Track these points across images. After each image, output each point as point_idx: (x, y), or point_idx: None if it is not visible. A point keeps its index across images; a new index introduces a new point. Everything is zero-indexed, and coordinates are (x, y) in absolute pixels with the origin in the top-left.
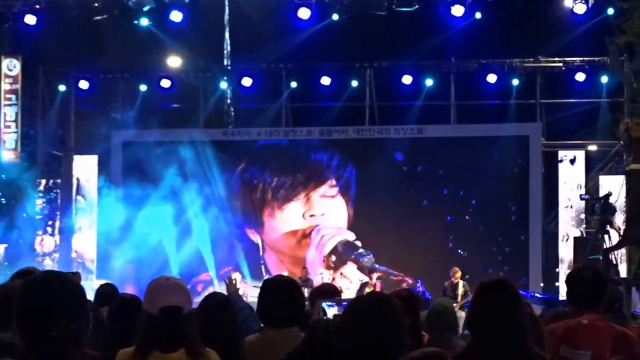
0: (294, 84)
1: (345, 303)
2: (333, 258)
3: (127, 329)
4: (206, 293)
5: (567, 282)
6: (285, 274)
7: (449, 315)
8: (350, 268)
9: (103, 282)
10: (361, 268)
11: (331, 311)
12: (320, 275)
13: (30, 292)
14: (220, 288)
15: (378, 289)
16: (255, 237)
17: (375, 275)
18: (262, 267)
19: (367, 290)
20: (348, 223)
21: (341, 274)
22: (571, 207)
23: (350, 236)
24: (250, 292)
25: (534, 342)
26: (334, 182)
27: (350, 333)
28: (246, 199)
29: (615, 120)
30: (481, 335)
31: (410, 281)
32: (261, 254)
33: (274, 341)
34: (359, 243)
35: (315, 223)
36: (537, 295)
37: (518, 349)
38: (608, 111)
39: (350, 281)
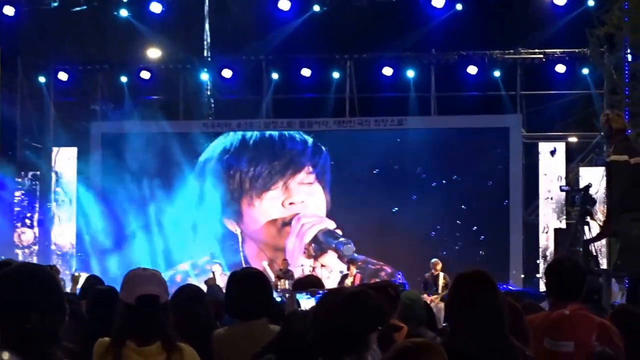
0: (275, 76)
1: (320, 294)
2: (313, 247)
3: (105, 321)
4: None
5: (546, 273)
6: (266, 263)
7: (417, 308)
8: (330, 257)
9: (83, 274)
10: (341, 257)
11: (306, 303)
12: (300, 267)
13: (5, 285)
14: (198, 280)
15: (358, 281)
16: (235, 228)
17: (354, 268)
18: (242, 258)
19: (348, 281)
20: (326, 210)
21: (322, 265)
22: (551, 198)
23: (331, 225)
24: None
25: (518, 334)
26: (310, 168)
27: (325, 326)
28: (224, 189)
29: (596, 111)
30: (459, 327)
31: (389, 270)
32: (240, 244)
33: (243, 334)
34: (339, 231)
35: (295, 211)
36: (511, 287)
37: (496, 341)
38: (588, 103)
39: (330, 270)
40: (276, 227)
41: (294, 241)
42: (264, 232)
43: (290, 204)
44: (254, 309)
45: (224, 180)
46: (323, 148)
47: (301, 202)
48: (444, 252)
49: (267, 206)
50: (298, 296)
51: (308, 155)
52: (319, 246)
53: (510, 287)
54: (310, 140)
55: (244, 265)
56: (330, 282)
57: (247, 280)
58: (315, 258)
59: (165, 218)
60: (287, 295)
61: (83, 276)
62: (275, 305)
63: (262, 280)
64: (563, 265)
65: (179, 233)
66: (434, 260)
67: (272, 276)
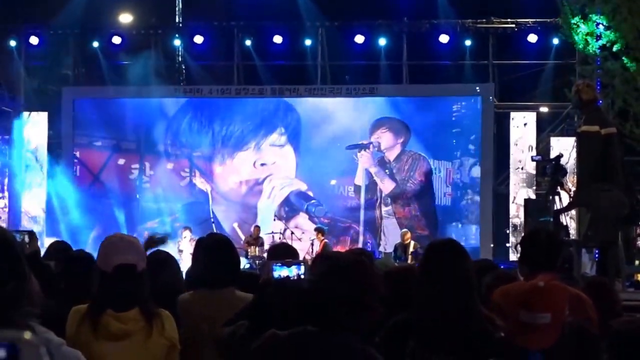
0: (247, 42)
1: (295, 264)
2: (285, 209)
3: (77, 285)
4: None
5: (521, 244)
6: (236, 225)
7: None
8: (302, 219)
9: (53, 240)
10: (312, 219)
11: (280, 272)
12: (271, 234)
13: None
14: (168, 246)
15: (321, 248)
16: (205, 186)
17: (322, 235)
18: (212, 217)
19: (316, 248)
20: (296, 171)
21: (292, 230)
22: (522, 168)
23: (302, 186)
24: None
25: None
26: (282, 130)
27: (326, 292)
28: (195, 148)
29: (567, 82)
30: (428, 294)
31: (357, 228)
32: (210, 204)
33: (209, 300)
34: (310, 193)
35: (266, 171)
36: None
37: (463, 309)
38: (560, 73)
39: (302, 232)
40: (247, 187)
41: (266, 202)
42: (234, 192)
43: (262, 164)
44: (221, 277)
45: (195, 140)
46: (296, 109)
47: (272, 163)
48: (412, 219)
49: (239, 166)
50: (273, 265)
51: (280, 116)
52: (290, 208)
53: None
54: (283, 101)
55: (212, 225)
56: (302, 244)
57: (213, 248)
58: (287, 220)
59: (134, 178)
60: (257, 262)
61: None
62: (246, 273)
63: (229, 248)
64: (539, 235)
65: (148, 192)
66: (403, 230)
67: (242, 237)
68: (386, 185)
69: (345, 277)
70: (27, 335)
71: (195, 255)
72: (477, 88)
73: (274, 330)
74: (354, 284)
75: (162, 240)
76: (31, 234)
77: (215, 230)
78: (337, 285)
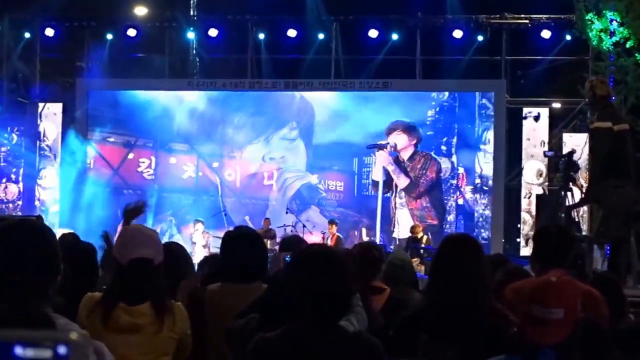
0: (261, 36)
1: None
2: (297, 201)
3: (87, 276)
4: (164, 234)
5: (533, 239)
6: (247, 218)
7: (407, 269)
8: (313, 212)
9: (66, 231)
10: (324, 212)
11: None
12: (283, 227)
13: (3, 240)
14: (181, 234)
15: (333, 242)
16: (215, 178)
17: (334, 227)
18: (222, 210)
19: (328, 241)
20: (307, 165)
21: (303, 225)
22: (534, 164)
23: (313, 180)
24: (212, 242)
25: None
26: (294, 124)
27: (296, 280)
28: (206, 140)
29: (580, 78)
30: (440, 288)
31: (366, 222)
32: (221, 197)
33: (237, 293)
34: (321, 187)
35: (275, 165)
36: None
37: (477, 303)
38: (573, 69)
39: (312, 225)
40: (257, 180)
41: (277, 196)
42: (244, 184)
43: (271, 158)
44: (250, 271)
45: (206, 131)
46: (310, 103)
47: (281, 157)
48: (424, 213)
49: (249, 158)
50: (285, 257)
51: (294, 110)
52: (301, 201)
53: None
54: (297, 95)
55: (224, 217)
56: (313, 237)
57: (242, 242)
58: (299, 213)
59: (148, 171)
60: (269, 254)
61: None
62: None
63: (258, 242)
64: (549, 232)
65: (159, 184)
66: (414, 223)
67: None
68: (401, 182)
69: (310, 268)
70: (74, 335)
71: (223, 248)
72: (490, 84)
73: (261, 334)
74: (317, 274)
75: (140, 207)
76: (39, 218)
77: (226, 223)
78: (303, 278)
